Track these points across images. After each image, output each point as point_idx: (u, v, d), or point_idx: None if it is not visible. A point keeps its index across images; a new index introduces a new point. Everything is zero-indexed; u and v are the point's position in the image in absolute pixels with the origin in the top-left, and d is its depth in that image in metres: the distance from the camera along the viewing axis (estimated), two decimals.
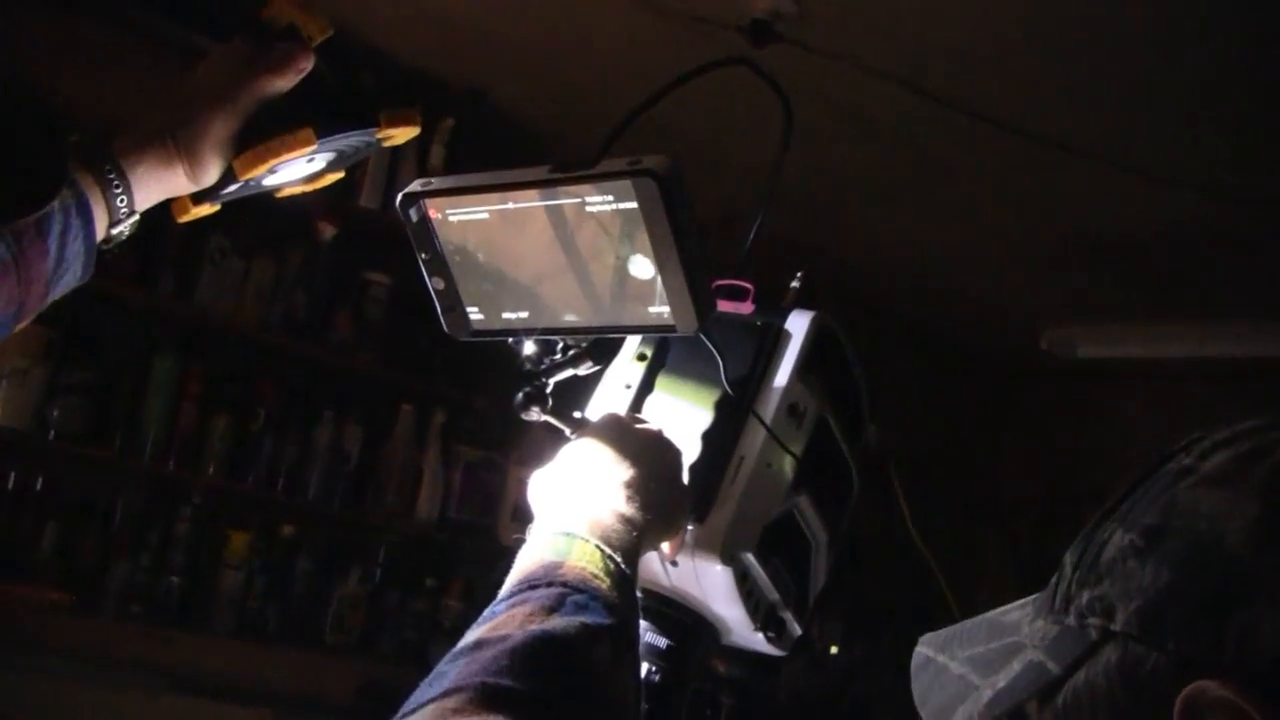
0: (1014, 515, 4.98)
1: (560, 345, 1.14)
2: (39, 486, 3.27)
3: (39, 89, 0.98)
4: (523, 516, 1.03)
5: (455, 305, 1.15)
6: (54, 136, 0.99)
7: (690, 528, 1.15)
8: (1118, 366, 4.73)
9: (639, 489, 1.03)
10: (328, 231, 3.68)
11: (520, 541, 0.99)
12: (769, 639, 1.22)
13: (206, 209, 1.16)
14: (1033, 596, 0.83)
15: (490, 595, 0.91)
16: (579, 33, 3.24)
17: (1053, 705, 0.75)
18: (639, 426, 1.13)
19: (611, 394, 1.25)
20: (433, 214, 1.11)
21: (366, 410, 3.77)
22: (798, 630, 1.26)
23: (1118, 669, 0.71)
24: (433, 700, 0.77)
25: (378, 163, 3.63)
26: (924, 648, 0.88)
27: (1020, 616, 0.82)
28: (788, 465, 1.21)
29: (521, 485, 3.98)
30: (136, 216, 1.09)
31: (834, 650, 4.12)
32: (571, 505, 1.01)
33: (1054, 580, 0.79)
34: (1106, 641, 0.72)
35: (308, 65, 1.12)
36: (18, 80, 1.00)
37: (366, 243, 3.78)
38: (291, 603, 3.65)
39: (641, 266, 1.04)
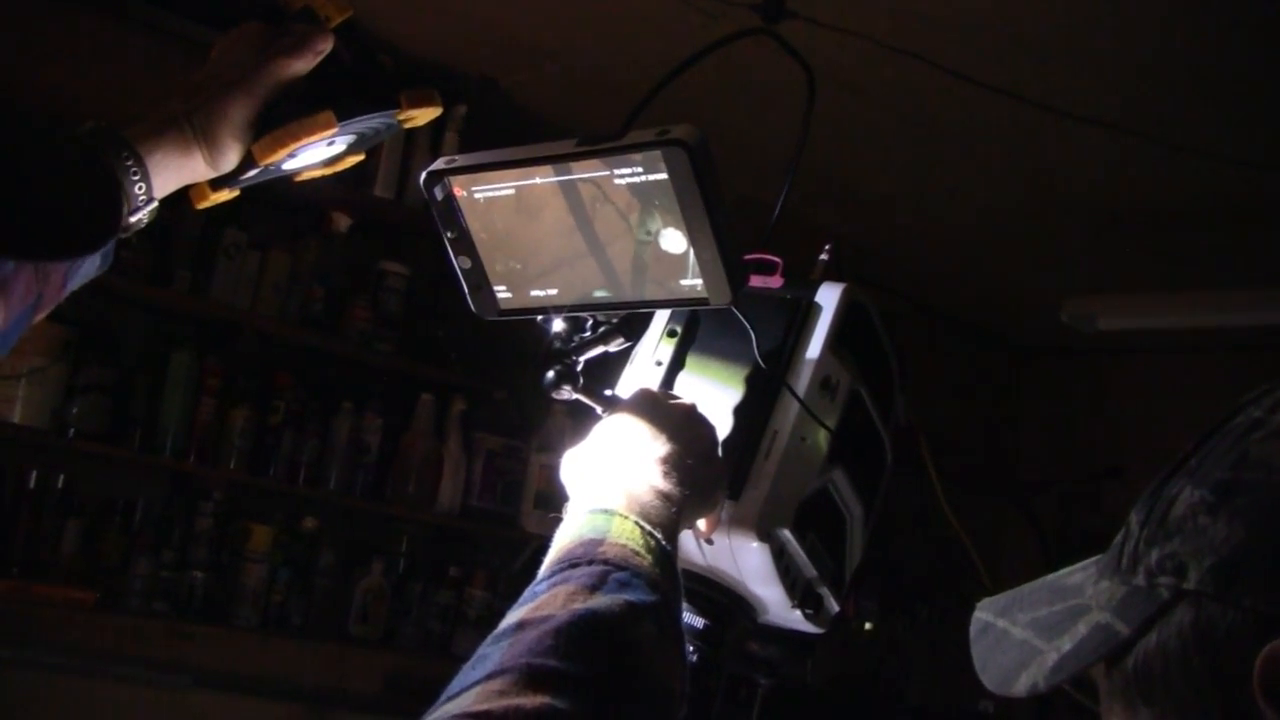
0: (1034, 491, 4.95)
1: (590, 322, 1.12)
2: (60, 485, 3.27)
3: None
4: (545, 503, 1.02)
5: (482, 285, 1.13)
6: (110, 189, 0.98)
7: (725, 504, 1.13)
8: (1138, 340, 4.69)
9: (676, 464, 1.02)
10: (343, 222, 3.67)
11: (557, 521, 0.98)
12: (807, 616, 1.21)
13: (226, 195, 1.15)
14: (1095, 558, 0.80)
15: (512, 583, 0.90)
16: (590, 17, 3.22)
17: (1122, 668, 0.73)
18: (672, 402, 1.11)
19: (642, 372, 1.23)
20: (458, 192, 1.09)
21: (386, 401, 3.76)
22: (835, 606, 1.24)
23: (1192, 629, 0.69)
24: (477, 683, 0.76)
25: (391, 151, 3.62)
26: (982, 613, 0.85)
27: (1083, 578, 0.79)
28: (822, 439, 1.19)
29: (543, 472, 3.94)
30: (155, 204, 1.07)
31: (868, 627, 4.10)
32: (608, 482, 0.99)
33: (1119, 539, 0.77)
34: (1178, 601, 0.70)
35: (326, 47, 1.10)
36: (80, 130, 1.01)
37: (382, 233, 3.78)
38: (315, 596, 3.65)
39: (672, 239, 1.02)
